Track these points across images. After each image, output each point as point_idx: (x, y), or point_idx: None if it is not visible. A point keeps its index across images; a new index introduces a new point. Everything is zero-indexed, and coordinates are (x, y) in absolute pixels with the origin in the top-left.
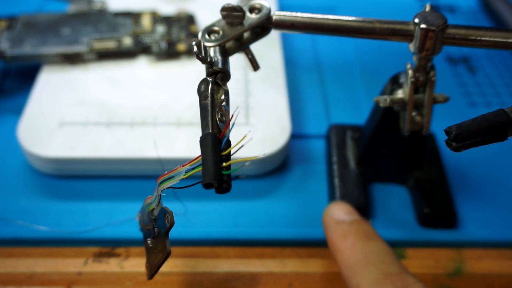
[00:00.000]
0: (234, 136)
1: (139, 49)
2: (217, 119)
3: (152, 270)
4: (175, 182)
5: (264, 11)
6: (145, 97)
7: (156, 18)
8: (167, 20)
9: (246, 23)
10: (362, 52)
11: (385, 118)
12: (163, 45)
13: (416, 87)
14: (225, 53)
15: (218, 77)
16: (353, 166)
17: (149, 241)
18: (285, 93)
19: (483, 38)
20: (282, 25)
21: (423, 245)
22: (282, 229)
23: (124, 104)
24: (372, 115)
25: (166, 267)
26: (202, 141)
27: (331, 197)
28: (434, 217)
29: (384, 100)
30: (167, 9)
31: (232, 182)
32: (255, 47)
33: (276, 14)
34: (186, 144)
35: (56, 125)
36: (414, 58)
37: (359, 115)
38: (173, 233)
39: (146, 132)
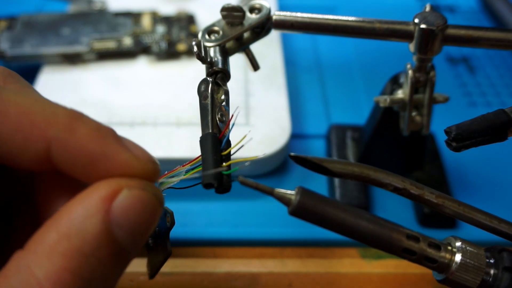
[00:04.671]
0: (234, 136)
1: (139, 49)
2: (217, 119)
3: (153, 270)
4: (175, 182)
5: (264, 11)
6: (145, 97)
7: (156, 18)
8: (167, 20)
9: (246, 23)
10: (362, 52)
11: (385, 118)
12: (163, 45)
13: (416, 87)
14: (225, 53)
15: (218, 77)
16: None
17: (149, 241)
18: (285, 93)
19: (483, 38)
20: (282, 25)
21: None
22: (282, 229)
23: (124, 104)
24: (372, 115)
25: (166, 267)
26: (202, 141)
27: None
28: (434, 217)
29: (384, 100)
30: (167, 9)
31: (232, 182)
32: (255, 47)
33: (276, 14)
34: (186, 144)
35: None
36: (414, 58)
37: (359, 115)
38: (173, 233)
39: (146, 132)
